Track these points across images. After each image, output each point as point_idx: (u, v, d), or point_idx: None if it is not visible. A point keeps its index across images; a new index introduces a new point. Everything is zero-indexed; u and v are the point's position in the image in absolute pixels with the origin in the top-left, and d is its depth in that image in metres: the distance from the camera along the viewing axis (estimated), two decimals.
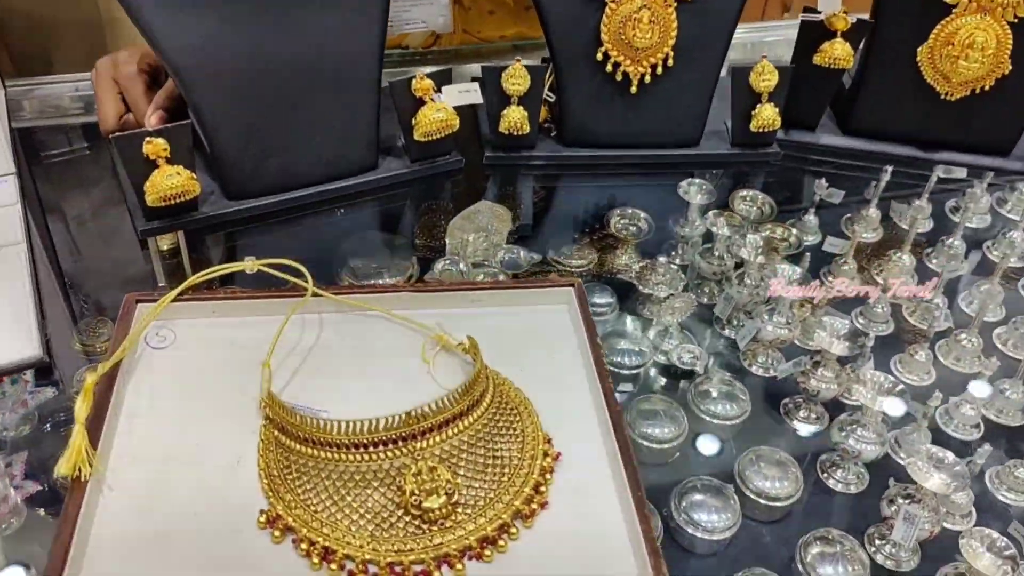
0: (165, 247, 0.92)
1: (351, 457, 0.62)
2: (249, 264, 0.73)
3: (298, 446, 0.63)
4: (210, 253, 0.93)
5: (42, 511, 0.67)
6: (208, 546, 0.59)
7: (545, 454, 0.66)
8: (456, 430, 0.65)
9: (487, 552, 0.59)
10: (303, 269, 0.74)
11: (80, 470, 0.59)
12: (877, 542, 0.71)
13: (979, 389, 0.81)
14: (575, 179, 1.12)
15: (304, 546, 0.58)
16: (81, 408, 0.61)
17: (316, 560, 0.58)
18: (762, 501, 0.73)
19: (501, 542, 0.60)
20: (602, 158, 1.11)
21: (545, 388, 0.72)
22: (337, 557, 0.58)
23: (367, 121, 0.98)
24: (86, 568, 0.57)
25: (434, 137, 0.98)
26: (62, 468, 0.59)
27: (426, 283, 0.79)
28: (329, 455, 0.62)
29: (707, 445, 0.79)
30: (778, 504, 0.74)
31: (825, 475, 0.77)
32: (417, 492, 0.60)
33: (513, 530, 0.61)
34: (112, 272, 0.91)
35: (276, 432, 0.65)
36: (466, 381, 0.66)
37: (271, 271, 0.73)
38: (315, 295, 0.73)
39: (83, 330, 0.82)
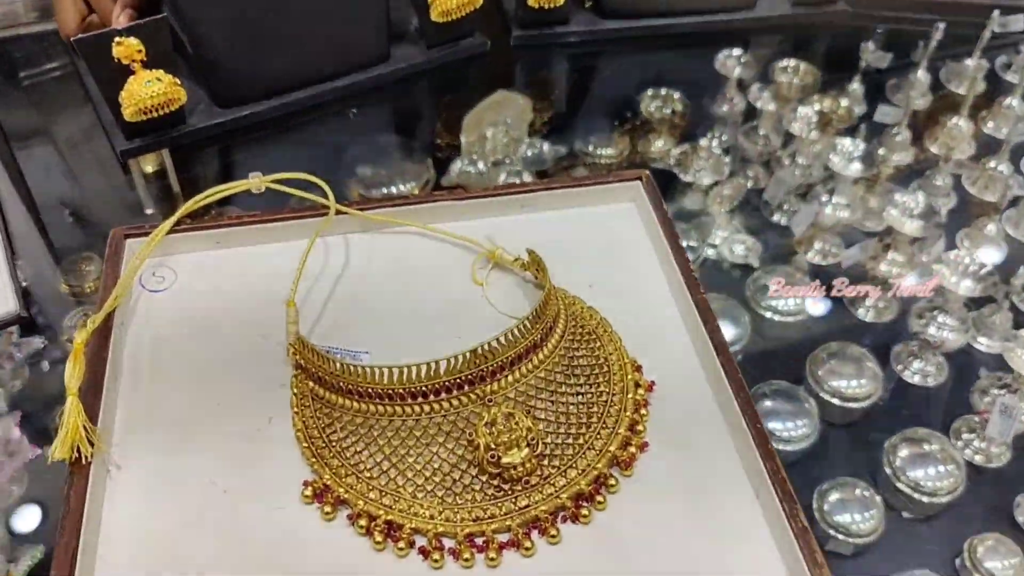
0: (150, 169, 0.81)
1: (408, 409, 0.51)
2: (255, 182, 0.62)
3: (341, 399, 0.53)
4: (203, 172, 0.82)
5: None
6: (244, 530, 0.49)
7: (636, 385, 0.55)
8: (531, 366, 0.54)
9: (584, 511, 0.50)
10: (321, 183, 0.62)
11: (79, 451, 0.49)
12: (964, 436, 0.65)
13: None
14: (611, 57, 1.01)
15: (363, 522, 0.49)
16: (72, 375, 0.50)
17: (379, 538, 0.48)
18: (838, 402, 0.66)
19: (599, 498, 0.50)
20: (644, 30, 1.00)
21: (622, 304, 0.61)
22: (404, 532, 0.48)
23: (376, 2, 0.87)
24: (99, 570, 0.47)
25: (454, 17, 0.87)
26: (57, 451, 0.49)
27: (467, 189, 0.68)
28: (381, 408, 0.52)
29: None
30: (856, 405, 0.66)
31: (901, 368, 0.70)
32: (493, 446, 0.49)
33: (612, 481, 0.51)
34: (94, 203, 0.81)
35: (311, 384, 0.54)
36: (536, 305, 0.54)
37: (282, 188, 0.62)
38: (339, 212, 0.62)
39: (68, 270, 0.74)
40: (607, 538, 0.50)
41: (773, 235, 0.80)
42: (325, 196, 0.62)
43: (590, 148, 0.86)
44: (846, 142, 0.79)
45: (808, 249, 0.79)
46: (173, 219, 0.60)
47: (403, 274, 0.63)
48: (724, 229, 0.79)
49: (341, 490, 0.50)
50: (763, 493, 0.50)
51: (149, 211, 0.79)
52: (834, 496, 0.61)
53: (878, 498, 0.60)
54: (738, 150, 0.85)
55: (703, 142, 0.84)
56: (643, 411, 0.55)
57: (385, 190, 0.80)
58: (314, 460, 0.51)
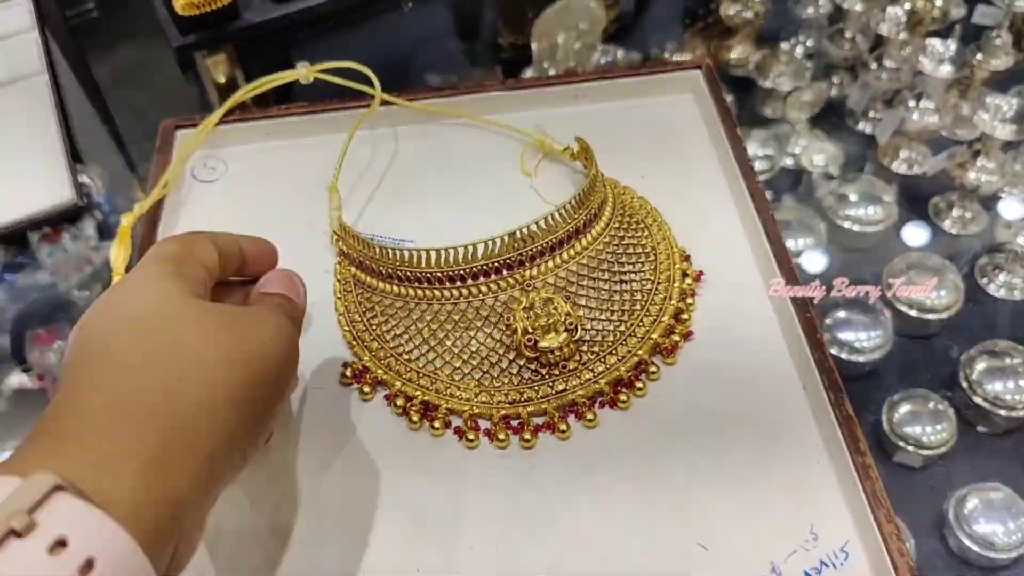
0: (222, 79, 0.82)
1: (447, 293, 0.50)
2: (303, 72, 0.61)
3: (382, 284, 0.52)
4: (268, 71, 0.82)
5: None
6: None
7: (684, 274, 0.54)
8: (572, 252, 0.52)
9: (622, 397, 0.49)
10: (368, 72, 0.61)
11: None
12: None
13: None
14: None
15: (400, 402, 0.49)
16: (118, 256, 0.52)
17: (415, 418, 0.48)
18: (915, 314, 0.63)
19: (639, 384, 0.49)
20: None
21: (676, 196, 0.59)
22: (440, 413, 0.48)
23: None
24: None
25: None
26: None
27: (519, 79, 0.66)
28: (420, 293, 0.51)
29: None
30: (933, 316, 0.63)
31: (985, 280, 0.65)
32: (531, 330, 0.48)
33: (652, 369, 0.50)
34: (158, 104, 0.82)
35: (353, 270, 0.54)
36: (580, 190, 0.52)
37: (331, 78, 0.62)
38: (385, 103, 0.62)
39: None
40: (645, 424, 0.48)
41: (855, 144, 0.76)
42: (372, 85, 0.61)
43: (665, 54, 0.83)
44: (937, 44, 0.73)
45: (892, 158, 0.74)
46: (222, 110, 0.60)
47: (452, 165, 0.62)
48: (804, 137, 0.75)
49: (380, 371, 0.50)
50: (810, 384, 0.48)
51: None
52: (905, 408, 0.58)
53: (951, 411, 0.57)
54: (821, 54, 0.80)
55: (784, 46, 0.79)
56: (689, 300, 0.53)
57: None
58: (354, 343, 0.51)
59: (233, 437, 0.35)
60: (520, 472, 0.47)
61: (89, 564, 0.27)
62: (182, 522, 0.32)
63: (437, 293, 0.51)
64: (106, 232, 0.71)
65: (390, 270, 0.51)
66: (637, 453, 0.47)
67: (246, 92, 0.60)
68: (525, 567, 0.43)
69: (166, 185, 0.57)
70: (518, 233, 0.49)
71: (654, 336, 0.50)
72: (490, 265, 0.50)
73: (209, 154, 0.63)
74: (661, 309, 0.51)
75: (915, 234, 0.70)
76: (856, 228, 0.69)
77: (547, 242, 0.50)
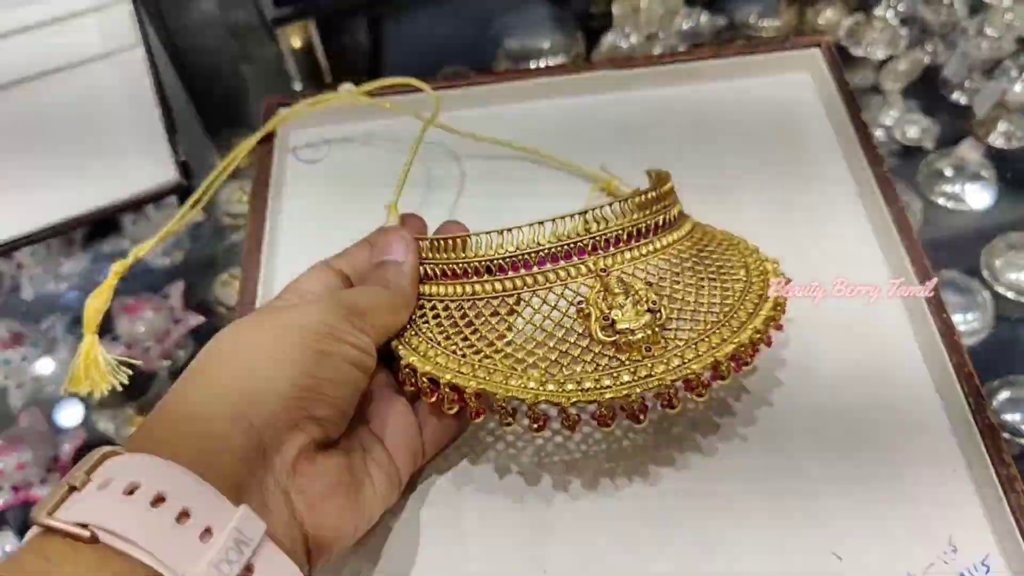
0: (297, 44, 0.80)
1: (510, 284, 0.43)
2: (345, 96, 0.58)
3: (437, 288, 0.45)
4: (350, 44, 0.81)
5: None
6: None
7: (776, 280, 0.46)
8: (651, 248, 0.44)
9: (706, 386, 0.42)
10: (426, 87, 0.56)
11: None
12: None
13: None
14: None
15: (448, 398, 0.42)
16: (92, 307, 0.52)
17: (474, 405, 0.42)
18: (1013, 296, 0.61)
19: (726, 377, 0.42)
20: None
21: (794, 185, 0.57)
22: (498, 399, 0.41)
23: None
24: None
25: None
26: None
27: (615, 59, 0.63)
28: (479, 289, 0.44)
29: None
30: None
31: None
32: (606, 309, 0.41)
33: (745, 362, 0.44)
34: (244, 79, 0.81)
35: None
36: (652, 184, 0.46)
37: (378, 103, 0.58)
38: (441, 126, 0.57)
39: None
40: (768, 428, 0.47)
41: (951, 116, 0.74)
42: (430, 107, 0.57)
43: (752, 19, 0.80)
44: None
45: (990, 131, 0.72)
46: (270, 125, 0.59)
47: (506, 192, 0.59)
48: (897, 108, 0.73)
49: (428, 368, 0.43)
50: (947, 390, 0.47)
51: (297, 87, 0.78)
52: (1003, 395, 0.57)
53: None
54: (917, 21, 0.78)
55: (878, 11, 0.77)
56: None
57: (533, 64, 0.77)
58: (398, 344, 0.45)
59: (303, 410, 0.38)
60: (645, 474, 0.46)
61: (134, 487, 0.31)
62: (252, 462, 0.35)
63: (499, 286, 0.43)
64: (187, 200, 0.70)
65: (443, 267, 0.45)
66: (763, 458, 0.46)
67: (283, 118, 0.59)
68: (655, 570, 0.43)
69: (195, 204, 0.57)
70: (589, 213, 0.42)
71: (756, 323, 0.43)
72: (559, 249, 0.42)
73: (312, 132, 0.62)
74: (758, 304, 0.44)
75: (1015, 212, 0.68)
76: (951, 205, 0.68)
77: (623, 229, 0.43)
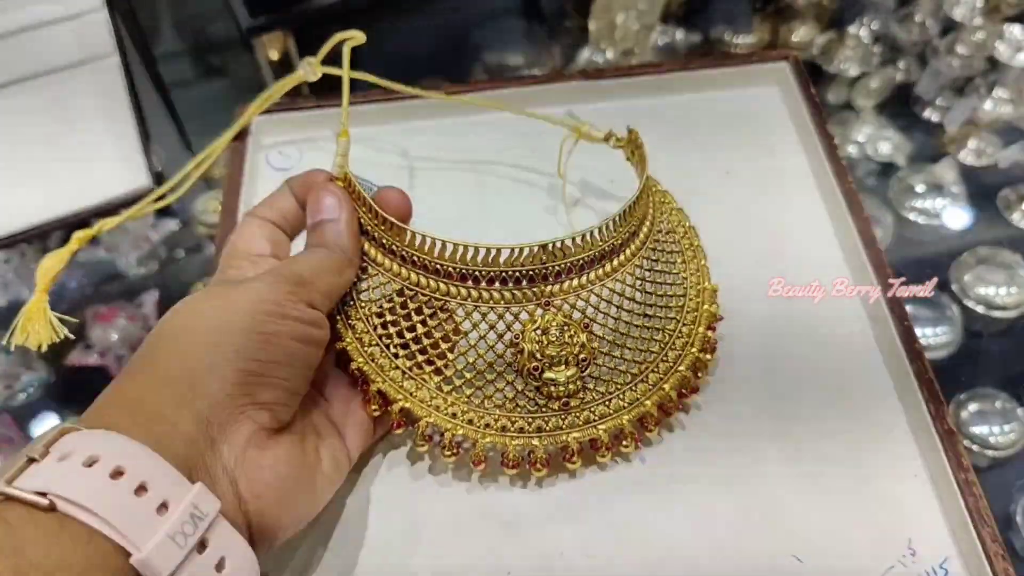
0: (275, 56, 0.81)
1: (454, 291, 0.44)
2: (306, 70, 0.56)
3: (382, 257, 0.45)
4: (330, 54, 0.81)
5: None
6: None
7: (710, 317, 0.48)
8: (601, 273, 0.45)
9: (625, 444, 0.45)
10: (356, 34, 0.54)
11: None
12: None
13: None
14: None
15: (375, 405, 0.44)
16: (48, 267, 0.54)
17: (397, 424, 0.44)
18: (982, 310, 0.62)
19: (625, 444, 0.45)
20: None
21: (762, 194, 0.58)
22: (420, 427, 0.43)
23: None
24: None
25: None
26: None
27: (600, 70, 0.64)
28: (425, 281, 0.44)
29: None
30: (1003, 314, 0.62)
31: None
32: (539, 356, 0.43)
33: (654, 423, 0.46)
34: (221, 89, 0.81)
35: None
36: (627, 205, 0.45)
37: (332, 70, 0.56)
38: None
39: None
40: (732, 432, 0.48)
41: (922, 133, 0.75)
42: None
43: (727, 36, 0.81)
44: (1015, 30, 0.72)
45: (961, 147, 0.73)
46: (243, 120, 0.59)
47: (481, 156, 0.60)
48: (869, 125, 0.74)
49: (360, 361, 0.44)
50: (908, 395, 0.48)
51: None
52: (972, 407, 0.57)
53: (1020, 411, 0.57)
54: (889, 39, 0.79)
55: (851, 29, 0.78)
56: (708, 356, 0.48)
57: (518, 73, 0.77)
58: (338, 317, 0.45)
59: (253, 382, 0.38)
60: (605, 479, 0.46)
61: (93, 460, 0.32)
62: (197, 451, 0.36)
63: (444, 288, 0.43)
64: (164, 210, 0.70)
65: (394, 246, 0.44)
66: (724, 460, 0.47)
67: (258, 107, 0.59)
68: (614, 570, 0.43)
69: (174, 188, 0.57)
70: (550, 245, 0.43)
71: (665, 387, 0.45)
72: (510, 273, 0.43)
73: (285, 141, 0.62)
74: (680, 355, 0.46)
75: (983, 228, 0.69)
76: (922, 221, 0.68)
77: (578, 259, 0.44)
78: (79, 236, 0.54)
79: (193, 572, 0.32)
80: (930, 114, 0.75)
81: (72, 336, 0.53)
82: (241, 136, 0.60)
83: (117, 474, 0.32)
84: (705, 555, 0.43)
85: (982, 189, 0.70)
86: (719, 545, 0.44)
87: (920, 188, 0.69)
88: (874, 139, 0.73)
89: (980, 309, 0.63)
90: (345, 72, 0.53)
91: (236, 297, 0.39)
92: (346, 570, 0.43)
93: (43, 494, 0.31)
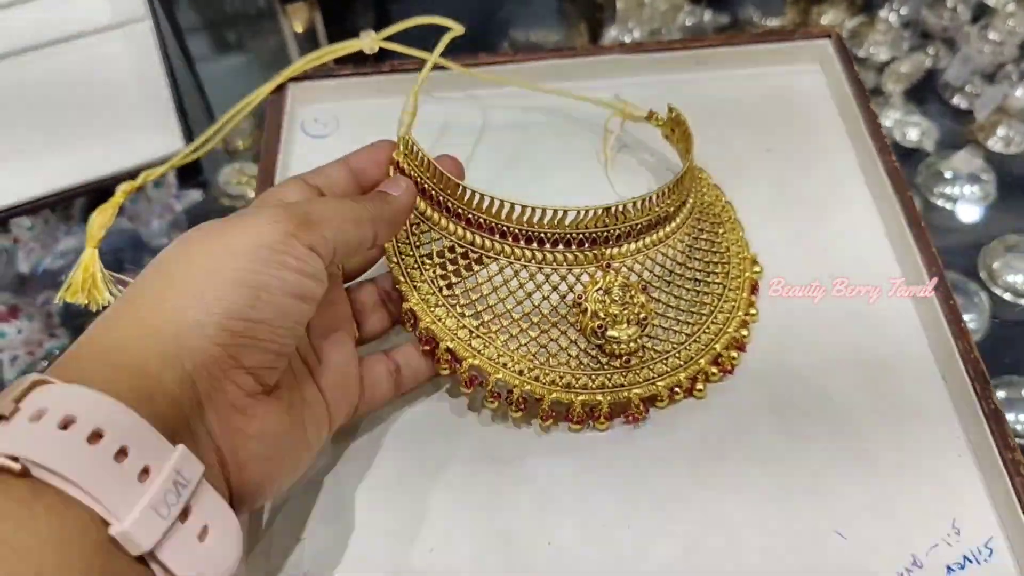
0: (300, 29, 0.80)
1: (519, 252, 0.45)
2: (366, 42, 0.57)
3: (445, 221, 0.46)
4: (352, 28, 0.80)
5: None
6: None
7: (752, 284, 0.51)
8: (656, 239, 0.47)
9: (678, 396, 0.47)
10: (451, 24, 0.56)
11: None
12: None
13: None
14: None
15: (445, 361, 0.45)
16: (96, 223, 0.52)
17: (465, 384, 0.45)
18: (1010, 298, 0.62)
19: (699, 387, 0.48)
20: None
21: (803, 173, 0.57)
22: (488, 383, 0.45)
23: None
24: None
25: None
26: None
27: (641, 43, 0.63)
28: (489, 243, 0.45)
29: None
30: None
31: None
32: (602, 315, 0.45)
33: (713, 373, 0.48)
34: (245, 61, 0.80)
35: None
36: (677, 175, 0.48)
37: (396, 47, 0.58)
38: (438, 67, 0.57)
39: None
40: (777, 410, 0.48)
41: (951, 119, 0.74)
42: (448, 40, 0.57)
43: (755, 18, 0.81)
44: None
45: (990, 135, 0.72)
46: (276, 81, 0.58)
47: (531, 134, 0.60)
48: (898, 110, 0.74)
49: (428, 320, 0.45)
50: (953, 375, 0.47)
51: None
52: (1000, 395, 0.57)
53: None
54: (920, 24, 0.78)
55: (882, 13, 0.77)
56: (752, 311, 0.50)
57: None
58: (403, 280, 0.46)
59: (248, 335, 0.35)
60: (646, 452, 0.46)
61: (68, 420, 0.29)
62: (181, 418, 0.33)
63: (508, 250, 0.45)
64: (188, 180, 0.70)
65: (460, 209, 0.45)
66: (768, 438, 0.46)
67: (304, 63, 0.58)
68: (660, 547, 0.43)
69: (196, 149, 0.56)
70: (612, 209, 0.45)
71: (717, 347, 0.48)
72: (574, 235, 0.45)
73: (320, 109, 0.61)
74: (728, 318, 0.49)
75: (1013, 214, 0.68)
76: (949, 207, 0.68)
77: (637, 224, 0.46)
78: (124, 188, 0.54)
79: (175, 543, 0.30)
80: (959, 101, 0.75)
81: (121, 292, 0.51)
82: (278, 103, 0.59)
83: (96, 436, 0.29)
84: (747, 529, 0.43)
85: (1011, 177, 0.70)
86: (761, 520, 0.43)
87: (948, 175, 0.69)
88: (902, 125, 0.72)
89: (1008, 296, 0.63)
90: (433, 57, 0.55)
91: (232, 237, 0.36)
92: (384, 542, 0.43)
93: (14, 458, 0.28)
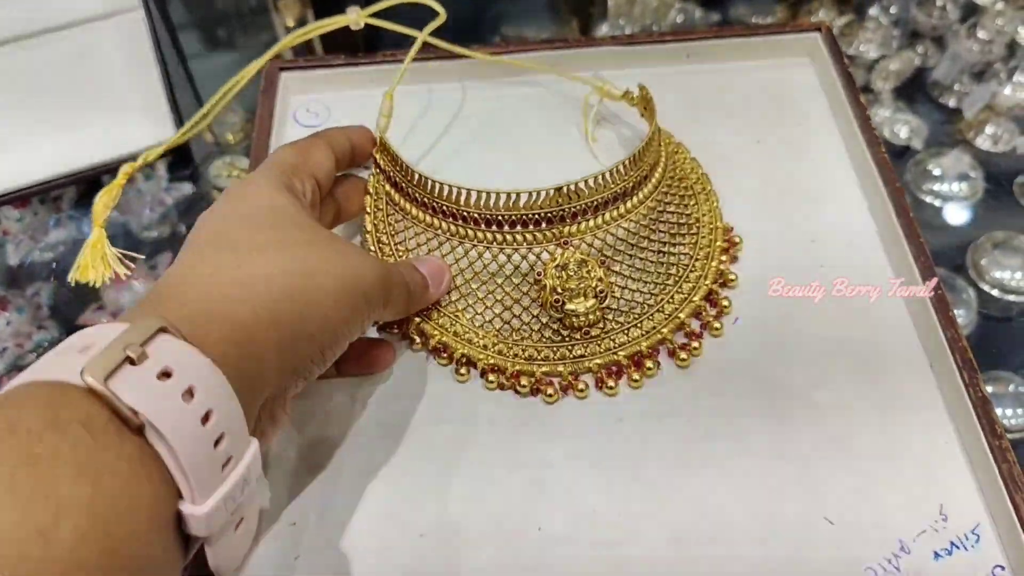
0: (291, 23, 0.80)
1: (481, 235, 0.49)
2: (352, 18, 0.58)
3: (416, 211, 0.50)
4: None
5: None
6: None
7: (724, 251, 0.52)
8: (616, 214, 0.50)
9: (635, 375, 0.48)
10: (437, 7, 0.57)
11: None
12: None
13: None
14: None
15: (417, 339, 0.49)
16: (100, 203, 0.52)
17: (444, 357, 0.49)
18: (997, 294, 0.62)
19: (649, 365, 0.48)
20: None
21: (793, 165, 0.58)
22: (455, 357, 0.48)
23: None
24: None
25: None
26: None
27: (632, 35, 0.64)
28: (454, 229, 0.49)
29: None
30: (1019, 298, 0.62)
31: None
32: (560, 290, 0.47)
33: (686, 346, 0.49)
34: (234, 54, 0.80)
35: (387, 187, 0.52)
36: (636, 150, 0.49)
37: (384, 24, 0.58)
38: (426, 44, 0.58)
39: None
40: (768, 394, 0.48)
41: (940, 117, 0.75)
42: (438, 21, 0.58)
43: (745, 16, 0.81)
44: None
45: (978, 133, 0.73)
46: (264, 58, 0.59)
47: (513, 118, 0.61)
48: (887, 108, 0.74)
49: None
50: (941, 363, 0.48)
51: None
52: (987, 389, 0.57)
53: None
54: (909, 22, 0.79)
55: (872, 12, 0.78)
56: (731, 276, 0.52)
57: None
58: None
59: (312, 341, 0.37)
60: (634, 438, 0.46)
61: (190, 392, 0.29)
62: (258, 397, 0.35)
63: (471, 233, 0.49)
64: (179, 173, 0.70)
65: (426, 198, 0.49)
66: (757, 422, 0.47)
67: (293, 38, 0.58)
68: (650, 533, 0.43)
69: (185, 133, 0.57)
70: (564, 188, 0.48)
71: (681, 316, 0.49)
72: (530, 216, 0.48)
73: (312, 99, 0.61)
74: (694, 287, 0.50)
75: (1002, 212, 0.69)
76: (938, 203, 0.69)
77: (592, 201, 0.49)
78: (126, 169, 0.54)
79: (224, 536, 0.31)
80: (948, 99, 0.75)
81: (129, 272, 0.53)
82: (269, 93, 0.59)
83: (206, 418, 0.30)
84: (735, 516, 0.43)
85: (999, 175, 0.70)
86: (749, 506, 0.44)
87: (937, 172, 0.69)
88: (892, 122, 0.73)
89: (996, 293, 0.63)
90: (422, 35, 0.56)
91: (358, 267, 0.39)
92: (370, 523, 0.44)
93: (133, 410, 0.28)
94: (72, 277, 0.52)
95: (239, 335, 0.33)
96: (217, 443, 0.30)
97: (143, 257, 0.54)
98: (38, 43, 0.69)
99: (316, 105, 0.61)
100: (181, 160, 0.68)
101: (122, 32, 0.69)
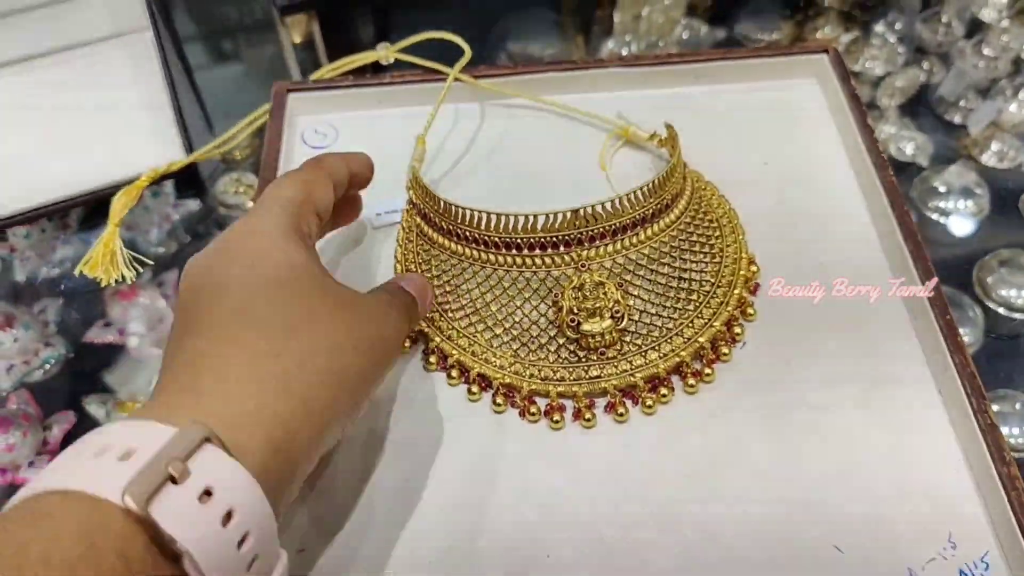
0: (297, 40, 0.80)
1: (500, 259, 0.50)
2: (382, 54, 0.60)
3: (441, 239, 0.52)
4: (349, 42, 0.81)
5: None
6: None
7: (747, 280, 0.52)
8: (635, 240, 0.50)
9: (648, 401, 0.48)
10: (460, 41, 0.58)
11: None
12: None
13: None
14: None
15: (433, 359, 0.50)
16: (117, 205, 0.55)
17: (454, 375, 0.49)
18: (1004, 312, 0.63)
19: (664, 392, 0.48)
20: None
21: (800, 186, 0.58)
22: (471, 376, 0.49)
23: None
24: None
25: None
26: None
27: (637, 56, 0.63)
28: (475, 254, 0.51)
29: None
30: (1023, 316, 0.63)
31: None
32: (576, 311, 0.48)
33: (697, 370, 0.49)
34: (242, 74, 0.81)
35: (418, 220, 0.54)
36: (657, 177, 0.50)
37: (411, 59, 0.60)
38: (457, 79, 0.60)
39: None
40: (769, 423, 0.48)
41: (945, 134, 0.75)
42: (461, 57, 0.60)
43: (751, 32, 0.81)
44: None
45: (984, 150, 0.73)
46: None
47: (533, 147, 0.61)
48: (893, 125, 0.74)
49: (423, 323, 0.50)
50: (948, 388, 0.47)
51: (297, 80, 0.78)
52: (994, 408, 0.57)
53: None
54: (914, 39, 0.79)
55: (877, 28, 0.78)
56: (751, 311, 0.51)
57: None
58: None
59: (342, 415, 0.37)
60: (636, 455, 0.47)
61: (229, 515, 0.29)
62: (288, 498, 0.34)
63: (491, 257, 0.50)
64: (186, 190, 0.70)
65: (449, 225, 0.51)
66: (762, 449, 0.46)
67: (327, 71, 0.59)
68: (653, 555, 0.43)
69: (214, 149, 0.59)
70: (581, 211, 0.48)
71: (701, 340, 0.49)
72: (548, 239, 0.49)
73: (321, 119, 0.62)
74: (715, 313, 0.50)
75: (1008, 229, 0.69)
76: (943, 220, 0.69)
77: (610, 225, 0.49)
78: (149, 175, 0.55)
79: None
80: (953, 115, 0.75)
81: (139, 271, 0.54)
82: (278, 114, 0.59)
83: (242, 541, 0.29)
84: (744, 543, 0.43)
85: (1004, 192, 0.70)
86: (758, 534, 0.43)
87: (942, 189, 0.69)
88: (897, 139, 0.73)
89: (1002, 311, 0.63)
90: (453, 73, 0.58)
91: (380, 326, 0.40)
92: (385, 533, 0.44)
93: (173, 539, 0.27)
94: (79, 270, 0.53)
95: (278, 435, 0.33)
96: (250, 565, 0.30)
97: (152, 263, 0.54)
98: (47, 64, 0.69)
99: (324, 126, 0.61)
100: (188, 177, 0.68)
101: (130, 52, 0.70)
